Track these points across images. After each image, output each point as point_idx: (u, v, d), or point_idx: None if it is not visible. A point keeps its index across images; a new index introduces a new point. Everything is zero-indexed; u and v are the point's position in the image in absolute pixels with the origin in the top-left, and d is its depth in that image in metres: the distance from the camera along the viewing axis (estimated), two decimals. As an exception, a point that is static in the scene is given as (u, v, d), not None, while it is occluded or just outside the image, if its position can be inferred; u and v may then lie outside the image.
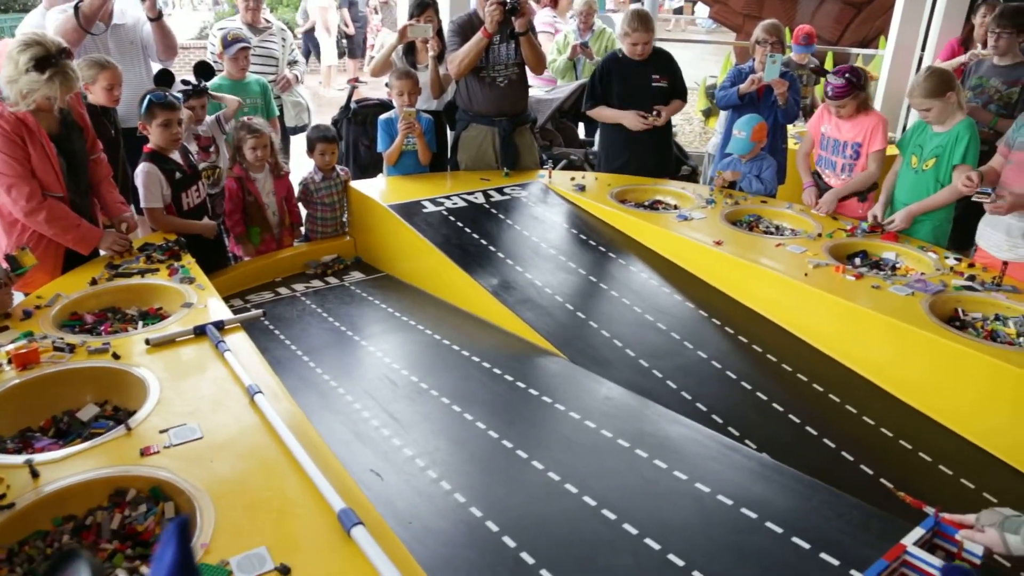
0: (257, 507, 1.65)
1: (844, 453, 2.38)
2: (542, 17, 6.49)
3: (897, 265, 3.24)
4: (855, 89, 3.58)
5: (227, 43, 4.28)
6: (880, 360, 2.75)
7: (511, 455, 2.18)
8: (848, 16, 9.18)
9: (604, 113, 4.40)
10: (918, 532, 1.70)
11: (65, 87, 2.67)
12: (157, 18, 3.94)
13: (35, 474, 1.72)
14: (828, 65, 7.03)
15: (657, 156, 4.43)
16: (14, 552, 1.59)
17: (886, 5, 7.85)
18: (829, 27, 9.17)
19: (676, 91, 4.36)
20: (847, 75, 3.58)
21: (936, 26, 5.84)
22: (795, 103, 4.33)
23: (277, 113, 4.67)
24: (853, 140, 3.66)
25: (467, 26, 4.19)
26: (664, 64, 4.33)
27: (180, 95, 3.56)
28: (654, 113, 4.23)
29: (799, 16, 9.21)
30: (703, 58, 12.73)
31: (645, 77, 4.26)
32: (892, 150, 3.70)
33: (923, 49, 6.05)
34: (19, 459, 1.76)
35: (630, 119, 4.26)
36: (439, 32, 4.42)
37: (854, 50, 7.87)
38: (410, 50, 4.52)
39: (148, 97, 3.28)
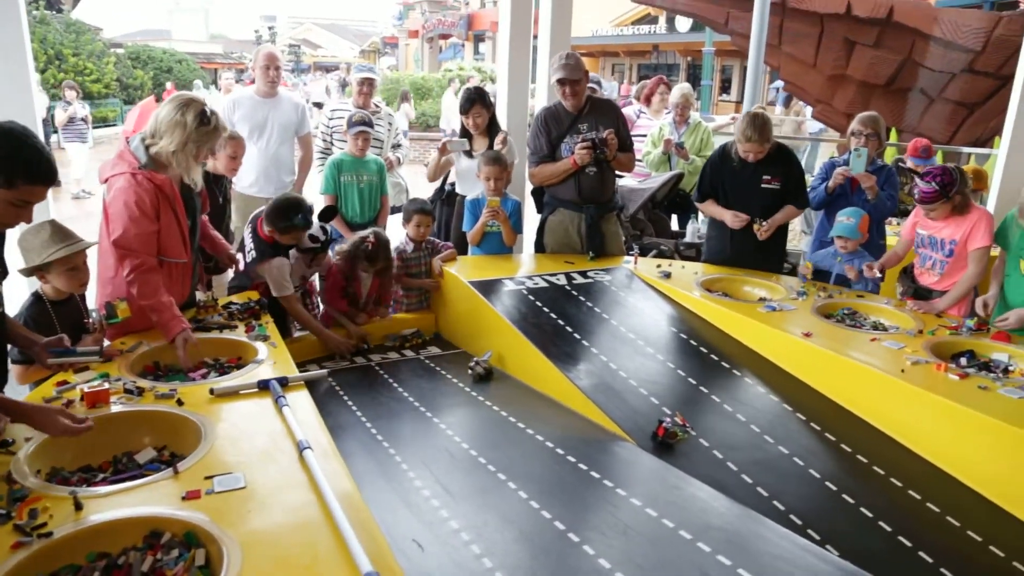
0: (285, 562, 1.59)
1: (943, 570, 2.12)
2: (630, 113, 6.39)
3: (1010, 368, 2.96)
4: (945, 195, 3.30)
5: (351, 123, 4.57)
6: (987, 469, 2.47)
7: (562, 537, 2.04)
8: (960, 116, 8.84)
9: (709, 209, 4.25)
10: None
11: (219, 136, 2.90)
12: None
13: (78, 506, 1.72)
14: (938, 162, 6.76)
15: (761, 255, 4.14)
16: (44, 583, 1.58)
17: (1001, 105, 7.53)
18: (940, 128, 8.85)
19: (790, 193, 4.06)
20: (937, 180, 3.29)
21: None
22: (890, 198, 4.12)
23: (388, 192, 4.87)
24: (950, 238, 3.42)
25: (551, 119, 4.28)
26: (778, 163, 4.02)
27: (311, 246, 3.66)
28: (757, 224, 4.02)
29: (907, 117, 8.94)
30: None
31: (755, 177, 4.02)
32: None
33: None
34: (66, 490, 1.77)
35: (729, 217, 4.09)
36: (492, 117, 4.66)
37: (967, 149, 7.56)
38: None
39: (307, 235, 3.55)
